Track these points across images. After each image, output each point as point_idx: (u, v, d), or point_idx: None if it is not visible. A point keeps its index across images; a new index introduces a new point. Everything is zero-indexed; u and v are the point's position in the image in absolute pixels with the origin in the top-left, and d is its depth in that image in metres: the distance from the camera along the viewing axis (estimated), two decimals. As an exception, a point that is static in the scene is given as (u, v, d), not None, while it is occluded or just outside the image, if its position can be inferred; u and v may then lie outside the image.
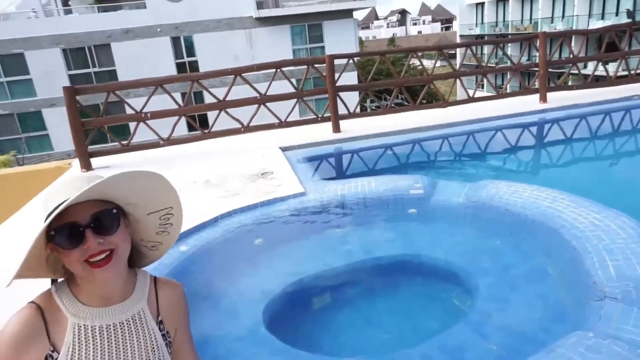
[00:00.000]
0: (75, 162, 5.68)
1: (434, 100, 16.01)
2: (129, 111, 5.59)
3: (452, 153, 5.71)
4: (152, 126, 5.46)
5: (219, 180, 4.38)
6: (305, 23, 20.98)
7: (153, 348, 1.11)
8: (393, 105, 6.58)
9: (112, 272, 1.00)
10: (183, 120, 5.86)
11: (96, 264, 0.96)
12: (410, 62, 8.13)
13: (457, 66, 7.01)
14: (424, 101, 6.58)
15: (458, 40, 34.48)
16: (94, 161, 5.46)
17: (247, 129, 5.71)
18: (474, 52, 6.77)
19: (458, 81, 6.73)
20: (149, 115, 5.36)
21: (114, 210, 1.01)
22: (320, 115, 5.97)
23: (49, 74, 19.81)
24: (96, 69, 20.39)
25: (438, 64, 6.97)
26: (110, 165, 5.47)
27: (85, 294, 1.04)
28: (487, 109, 6.40)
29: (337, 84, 5.90)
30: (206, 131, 5.68)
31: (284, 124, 5.84)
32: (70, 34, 19.72)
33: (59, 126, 20.11)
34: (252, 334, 2.50)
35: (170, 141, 5.59)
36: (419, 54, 6.40)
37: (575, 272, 2.52)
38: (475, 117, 6.11)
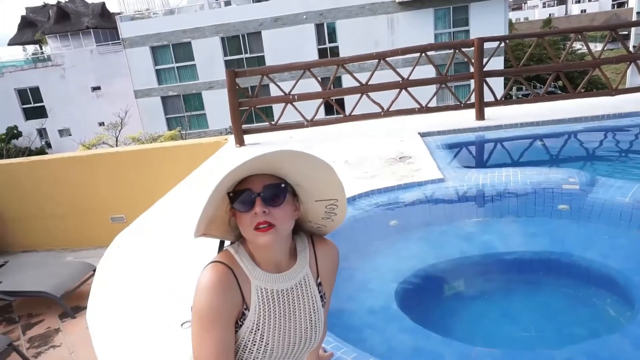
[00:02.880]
0: (231, 138, 6.35)
1: (595, 89, 14.13)
2: (273, 94, 6.05)
3: (617, 148, 5.02)
4: (297, 108, 5.83)
5: (357, 161, 4.53)
6: (451, 6, 20.01)
7: (315, 310, 1.18)
8: (547, 93, 5.99)
9: (271, 240, 1.06)
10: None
11: (259, 228, 1.05)
12: (573, 46, 7.27)
13: (631, 49, 6.06)
14: (582, 89, 5.85)
15: (635, 18, 29.56)
16: (246, 138, 6.05)
17: (387, 113, 5.76)
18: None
19: (630, 67, 5.83)
20: (296, 97, 5.74)
21: (282, 185, 1.08)
22: (464, 102, 5.73)
23: (209, 60, 22.30)
24: (247, 55, 22.30)
25: (608, 46, 6.10)
26: (260, 143, 6.01)
27: (261, 259, 1.13)
28: (668, 99, 5.46)
29: (484, 69, 5.58)
30: (347, 114, 5.87)
31: (424, 109, 5.75)
32: (228, 24, 21.83)
33: (214, 106, 22.62)
34: (384, 310, 2.58)
35: (313, 122, 5.92)
36: (585, 34, 5.67)
37: None
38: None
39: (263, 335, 1.10)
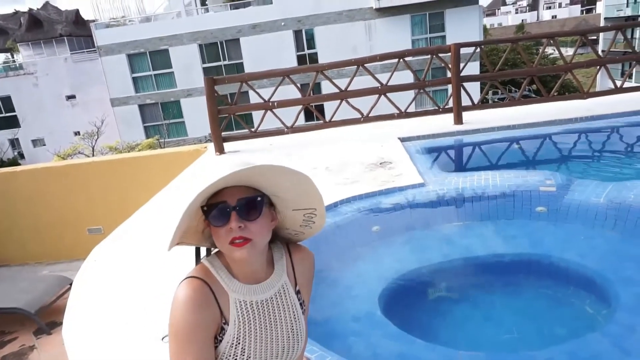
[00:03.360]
0: (210, 146, 6.29)
1: (567, 92, 14.53)
2: (253, 101, 6.03)
3: (590, 149, 5.15)
4: (277, 115, 5.81)
5: (338, 167, 4.53)
6: (427, 12, 20.35)
7: (296, 318, 1.17)
8: (522, 96, 6.12)
9: (247, 254, 1.03)
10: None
11: (235, 243, 1.02)
12: (545, 50, 7.45)
13: (600, 53, 6.26)
14: (556, 93, 6.00)
15: (602, 24, 30.57)
16: (226, 146, 6.00)
17: (367, 119, 5.79)
18: (626, 36, 5.96)
19: (600, 72, 6.02)
20: (275, 104, 5.72)
21: (258, 199, 1.05)
22: (442, 107, 5.81)
23: (187, 67, 22.10)
24: (226, 62, 22.19)
25: (578, 51, 6.27)
26: (240, 150, 5.97)
27: (238, 271, 1.10)
28: (638, 101, 5.63)
29: (461, 74, 5.67)
30: (327, 120, 5.88)
31: (403, 115, 5.80)
32: (206, 31, 21.70)
33: (192, 114, 22.41)
34: (368, 316, 2.58)
35: (293, 129, 5.91)
36: (556, 39, 5.82)
37: None
38: (625, 110, 5.40)
39: (244, 349, 1.08)
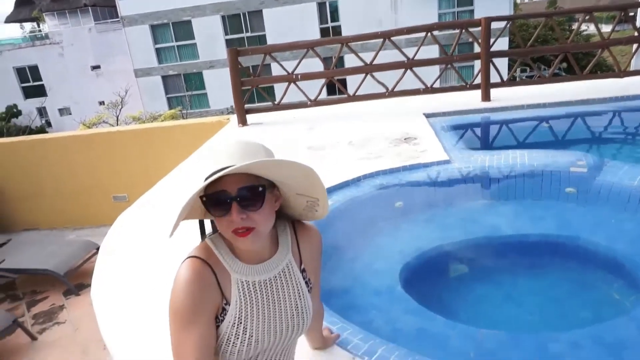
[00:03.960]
0: (233, 118, 6.28)
1: (600, 72, 13.97)
2: (275, 74, 5.96)
3: (625, 131, 4.96)
4: (300, 87, 5.75)
5: (361, 142, 4.48)
6: (457, -16, 19.67)
7: (300, 296, 1.15)
8: (552, 75, 5.89)
9: (251, 243, 1.01)
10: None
11: (238, 233, 0.99)
12: (577, 27, 7.13)
13: (642, 30, 5.93)
14: (589, 72, 5.75)
15: (641, 0, 29.00)
16: (249, 118, 5.98)
17: (392, 93, 5.68)
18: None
19: (638, 50, 5.73)
20: (299, 76, 5.65)
21: (260, 188, 0.99)
22: (469, 83, 5.64)
23: (209, 39, 22.01)
24: (249, 34, 22.01)
25: (615, 27, 5.96)
26: (263, 122, 5.95)
27: (240, 251, 1.08)
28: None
29: (491, 50, 5.48)
30: (351, 94, 5.79)
31: (429, 90, 5.66)
32: (229, 2, 21.46)
33: (215, 86, 22.44)
34: (388, 291, 2.57)
35: (316, 102, 5.85)
36: (594, 15, 5.54)
37: None
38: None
39: (246, 328, 1.07)
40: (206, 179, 0.99)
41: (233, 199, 0.97)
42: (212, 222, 1.15)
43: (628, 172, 3.24)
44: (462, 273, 2.98)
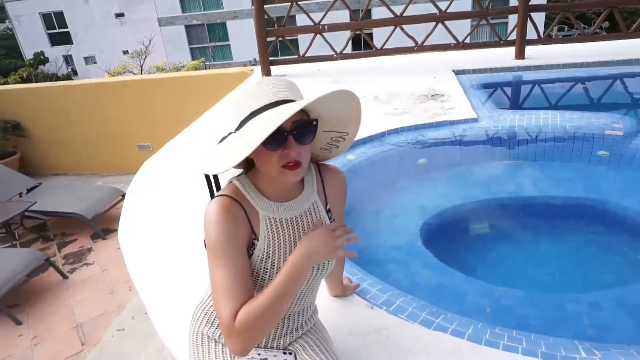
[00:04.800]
0: (257, 69, 6.19)
1: (647, 31, 13.16)
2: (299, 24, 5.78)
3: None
4: (326, 39, 5.59)
5: (387, 97, 4.37)
6: None
7: None
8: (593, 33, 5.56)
9: (299, 177, 1.05)
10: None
11: (290, 166, 1.01)
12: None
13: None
14: (634, 30, 5.39)
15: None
16: (273, 69, 5.89)
17: (421, 47, 5.47)
18: None
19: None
20: (326, 27, 5.48)
21: (314, 123, 1.03)
22: (504, 39, 5.38)
23: (234, -13, 21.42)
24: (274, -16, 21.29)
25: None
26: (287, 74, 5.85)
27: (269, 190, 1.11)
28: None
29: (530, 3, 5.17)
30: (379, 48, 5.61)
31: (460, 46, 5.43)
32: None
33: (238, 37, 22.07)
34: (408, 246, 2.58)
35: (342, 55, 5.69)
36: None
37: None
38: None
39: (274, 263, 1.11)
40: (252, 113, 1.00)
41: (289, 132, 0.99)
42: (215, 181, 1.19)
43: (667, 136, 3.10)
44: (483, 232, 2.97)
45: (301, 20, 5.74)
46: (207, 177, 1.19)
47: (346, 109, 1.09)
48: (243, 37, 21.43)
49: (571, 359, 1.38)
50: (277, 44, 5.77)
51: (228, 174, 1.13)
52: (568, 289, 2.37)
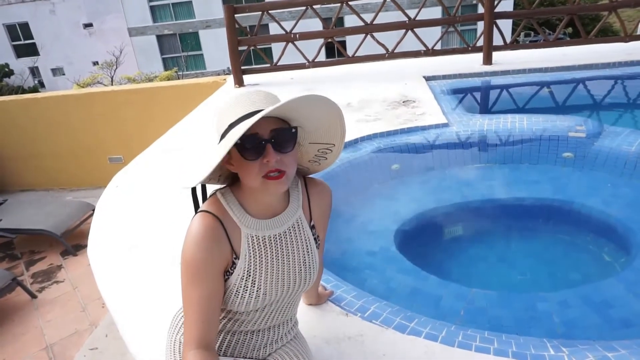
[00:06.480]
0: (229, 79, 6.17)
1: (604, 36, 13.73)
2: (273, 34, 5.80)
3: (627, 97, 4.90)
4: (298, 48, 5.62)
5: (360, 104, 4.42)
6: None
7: (309, 252, 1.17)
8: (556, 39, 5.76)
9: (283, 187, 1.02)
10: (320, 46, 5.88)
11: (271, 176, 0.99)
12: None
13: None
14: (594, 36, 5.62)
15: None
16: (246, 78, 5.87)
17: (392, 55, 5.56)
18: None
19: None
20: (297, 36, 5.51)
21: (293, 130, 1.01)
22: (471, 45, 5.52)
23: (206, -3, 21.34)
24: (246, -7, 21.33)
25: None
26: (260, 83, 5.85)
27: (252, 206, 1.09)
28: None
29: (496, 10, 5.33)
30: (350, 55, 5.67)
31: (430, 52, 5.55)
32: (226, -43, 20.67)
33: (211, 47, 21.96)
34: (383, 251, 2.60)
35: (315, 63, 5.73)
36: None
37: None
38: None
39: (254, 281, 1.09)
40: (230, 125, 1.00)
41: (267, 141, 0.97)
42: (202, 187, 1.17)
43: (626, 137, 3.23)
44: (456, 235, 3.02)
45: (274, 29, 5.77)
46: (193, 190, 1.16)
47: (327, 118, 1.08)
48: (216, 46, 21.34)
49: (540, 357, 1.41)
50: (251, 53, 5.76)
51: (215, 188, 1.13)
52: (538, 288, 2.43)
